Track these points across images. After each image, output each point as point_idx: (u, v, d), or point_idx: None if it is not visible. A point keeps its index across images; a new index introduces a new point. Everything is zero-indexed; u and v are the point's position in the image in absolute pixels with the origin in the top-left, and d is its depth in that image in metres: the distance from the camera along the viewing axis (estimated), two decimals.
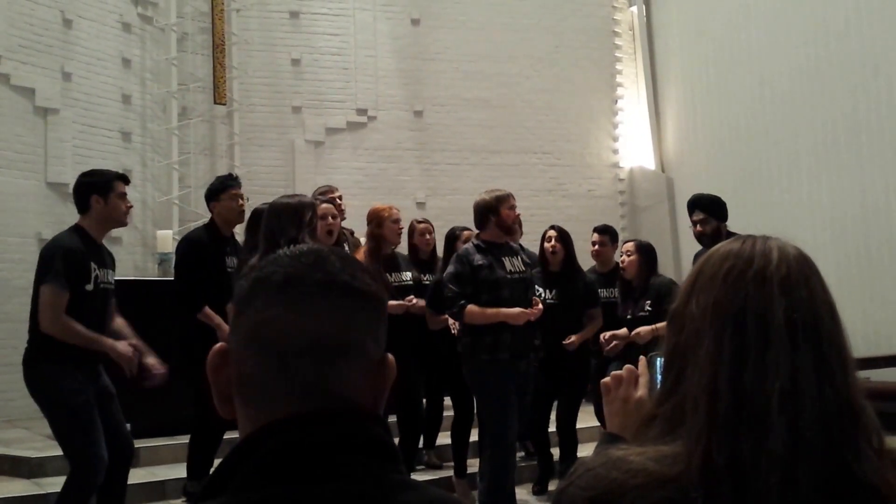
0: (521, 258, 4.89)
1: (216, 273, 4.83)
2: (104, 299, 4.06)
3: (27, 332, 4.01)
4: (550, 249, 5.48)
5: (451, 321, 5.17)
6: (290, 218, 4.11)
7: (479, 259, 4.70)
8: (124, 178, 4.17)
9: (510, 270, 4.74)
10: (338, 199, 5.66)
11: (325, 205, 4.99)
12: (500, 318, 4.61)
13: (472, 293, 4.67)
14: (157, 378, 4.15)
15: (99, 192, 4.01)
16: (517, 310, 4.62)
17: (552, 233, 5.58)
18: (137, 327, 5.19)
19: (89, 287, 3.93)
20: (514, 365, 4.70)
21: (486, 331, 4.64)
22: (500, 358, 4.64)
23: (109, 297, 4.12)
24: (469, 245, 4.88)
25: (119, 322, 4.24)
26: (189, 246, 5.03)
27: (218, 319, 4.69)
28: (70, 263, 3.85)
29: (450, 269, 4.81)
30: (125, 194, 4.12)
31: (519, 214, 4.90)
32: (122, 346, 3.98)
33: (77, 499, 3.90)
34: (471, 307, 4.63)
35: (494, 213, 4.78)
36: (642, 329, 5.18)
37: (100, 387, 4.03)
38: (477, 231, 4.96)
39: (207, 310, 4.74)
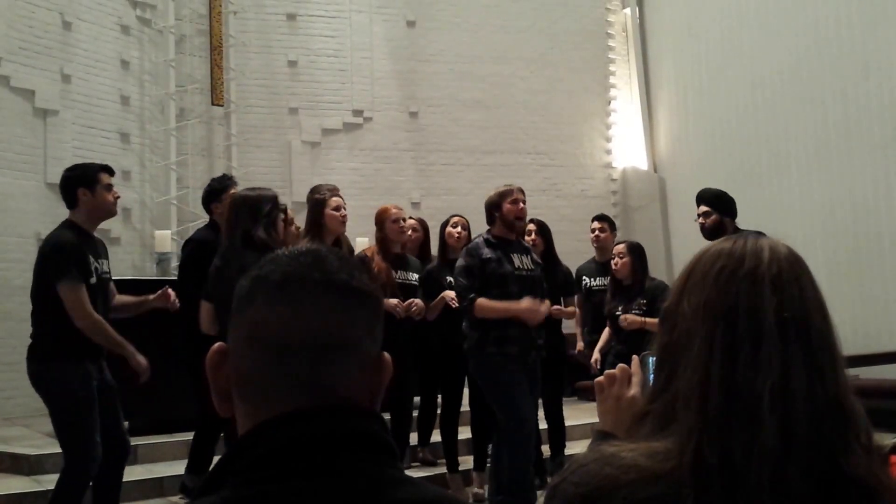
0: (532, 257, 4.89)
1: None
2: (105, 290, 4.12)
3: (30, 328, 4.04)
4: (530, 242, 5.55)
5: (448, 296, 5.26)
6: (247, 210, 4.08)
7: (487, 253, 4.68)
8: (109, 170, 4.19)
9: (518, 267, 4.71)
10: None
11: (335, 198, 5.04)
12: (511, 313, 4.56)
13: (481, 287, 4.63)
14: (142, 376, 4.20)
15: (85, 185, 4.04)
16: (527, 302, 4.55)
17: (531, 226, 5.70)
18: (135, 326, 5.24)
19: (93, 281, 3.99)
20: (523, 358, 4.66)
21: (492, 325, 4.61)
22: (508, 352, 4.60)
23: (108, 286, 4.18)
24: (479, 239, 4.84)
25: (122, 298, 4.33)
26: (196, 247, 5.08)
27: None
28: (76, 260, 3.90)
29: (459, 262, 4.80)
30: (111, 185, 4.14)
31: (523, 208, 4.81)
32: (142, 358, 4.09)
33: (72, 493, 3.93)
34: (481, 300, 4.60)
35: (497, 209, 4.78)
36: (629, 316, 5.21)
37: (103, 382, 4.07)
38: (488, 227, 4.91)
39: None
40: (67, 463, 3.94)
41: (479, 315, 4.64)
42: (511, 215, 4.75)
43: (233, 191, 5.02)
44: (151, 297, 4.34)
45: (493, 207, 4.79)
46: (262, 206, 4.11)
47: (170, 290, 4.31)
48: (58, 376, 3.89)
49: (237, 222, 4.08)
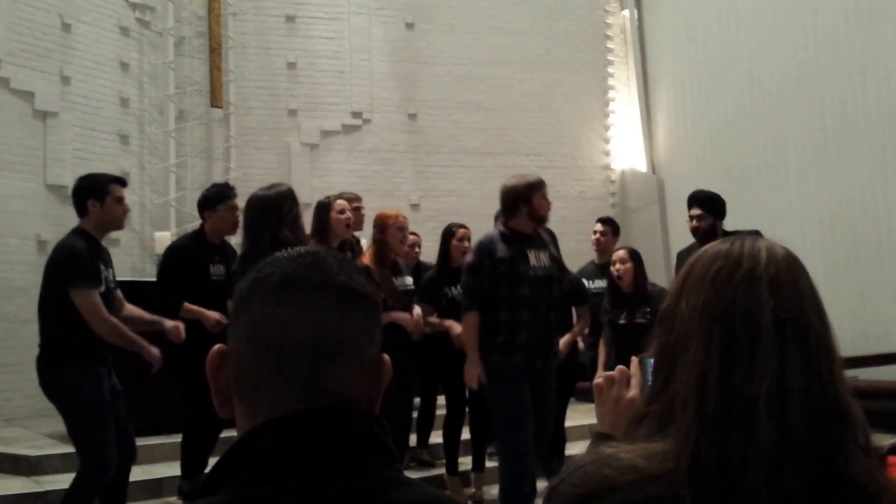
0: (549, 252, 4.54)
1: (199, 281, 4.86)
2: (110, 299, 4.14)
3: (38, 333, 4.05)
4: None
5: (455, 330, 5.12)
6: (268, 212, 4.02)
7: (501, 251, 4.33)
8: (121, 181, 4.18)
9: (534, 266, 4.38)
10: (363, 208, 5.53)
11: (339, 201, 4.97)
12: (468, 353, 4.37)
13: (490, 287, 4.32)
14: (154, 366, 4.26)
15: (95, 196, 4.04)
16: (474, 367, 4.33)
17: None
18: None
19: (101, 289, 4.01)
20: (530, 364, 4.35)
21: (499, 330, 4.32)
22: (514, 360, 4.32)
23: (114, 294, 4.20)
24: (494, 233, 4.45)
25: (134, 310, 4.32)
26: (172, 254, 5.10)
27: (200, 309, 4.70)
28: (90, 267, 3.91)
29: (470, 257, 4.49)
30: (122, 198, 4.13)
31: (550, 204, 4.48)
32: (155, 350, 4.12)
33: (85, 495, 3.95)
34: (469, 316, 4.37)
35: (525, 202, 4.38)
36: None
37: (112, 386, 4.09)
38: (504, 218, 4.53)
39: (186, 305, 4.78)
40: (84, 466, 3.96)
41: (462, 327, 4.52)
42: (542, 210, 4.42)
43: (231, 203, 5.00)
44: (168, 323, 4.35)
45: (520, 199, 4.38)
46: (283, 206, 4.06)
47: (182, 328, 4.36)
48: (69, 384, 3.89)
49: (262, 226, 4.02)
